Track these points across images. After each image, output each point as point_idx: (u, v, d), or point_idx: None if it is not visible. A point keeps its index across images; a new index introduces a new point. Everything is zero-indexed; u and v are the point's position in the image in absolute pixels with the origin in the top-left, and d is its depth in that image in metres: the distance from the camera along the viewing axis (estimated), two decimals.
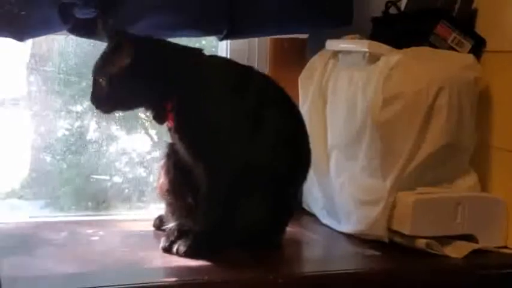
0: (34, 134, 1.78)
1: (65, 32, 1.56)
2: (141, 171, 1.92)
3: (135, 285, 1.27)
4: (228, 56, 1.80)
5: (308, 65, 1.73)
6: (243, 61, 1.79)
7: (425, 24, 1.57)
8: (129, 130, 1.90)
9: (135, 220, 1.70)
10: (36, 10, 1.49)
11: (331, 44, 1.70)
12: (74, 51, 1.77)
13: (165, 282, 1.30)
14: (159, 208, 1.57)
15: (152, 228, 1.58)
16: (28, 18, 1.49)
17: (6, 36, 1.52)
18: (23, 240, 1.49)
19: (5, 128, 1.75)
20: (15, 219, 1.66)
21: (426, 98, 1.45)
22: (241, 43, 1.79)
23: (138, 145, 1.92)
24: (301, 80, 1.73)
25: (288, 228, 1.65)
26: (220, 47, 1.82)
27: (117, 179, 1.91)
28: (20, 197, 1.77)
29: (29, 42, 1.61)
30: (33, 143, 1.78)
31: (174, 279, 1.32)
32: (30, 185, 1.77)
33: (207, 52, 1.47)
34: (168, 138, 1.49)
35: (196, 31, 1.67)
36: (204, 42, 1.85)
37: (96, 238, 1.52)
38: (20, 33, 1.51)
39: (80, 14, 1.52)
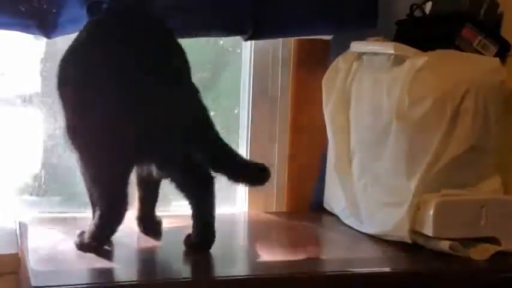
0: (51, 130, 1.79)
1: None
2: None
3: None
4: (252, 57, 1.81)
5: (332, 66, 1.74)
6: (266, 62, 1.82)
7: (451, 27, 1.58)
8: None
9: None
10: (66, 8, 1.51)
11: (356, 46, 1.70)
12: None
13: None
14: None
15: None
16: (57, 16, 1.50)
17: (34, 33, 1.54)
18: (48, 236, 1.51)
19: (20, 124, 1.77)
20: (32, 215, 1.67)
21: (452, 100, 1.45)
22: (265, 43, 1.79)
23: None
24: (325, 81, 1.74)
25: (309, 228, 1.67)
26: (244, 47, 1.83)
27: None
28: (35, 194, 1.78)
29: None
30: (48, 139, 1.79)
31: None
32: (45, 182, 1.78)
33: None
34: None
35: (222, 31, 1.69)
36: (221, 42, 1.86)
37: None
38: (48, 30, 1.53)
39: None
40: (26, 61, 1.73)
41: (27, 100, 1.74)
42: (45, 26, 1.51)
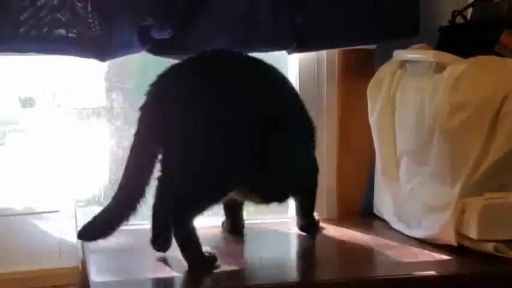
0: (115, 145, 1.87)
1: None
2: None
3: None
4: (297, 69, 1.86)
5: (376, 75, 1.78)
6: (312, 73, 1.86)
7: (490, 33, 1.60)
8: None
9: None
10: (118, 34, 1.57)
11: (399, 54, 1.74)
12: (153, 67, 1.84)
13: None
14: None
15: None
16: (110, 42, 1.57)
17: (89, 57, 1.61)
18: (109, 247, 1.55)
19: (87, 138, 1.85)
20: None
21: (492, 105, 1.47)
22: (310, 55, 1.84)
23: None
24: (370, 90, 1.78)
25: (359, 233, 1.71)
26: (290, 60, 1.87)
27: None
28: (102, 205, 1.85)
29: None
30: (114, 154, 1.86)
31: None
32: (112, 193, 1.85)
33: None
34: None
35: (267, 47, 1.72)
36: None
37: None
38: (102, 54, 1.60)
39: (157, 35, 1.61)
40: (92, 77, 1.82)
41: (94, 114, 1.83)
42: (100, 50, 1.58)
